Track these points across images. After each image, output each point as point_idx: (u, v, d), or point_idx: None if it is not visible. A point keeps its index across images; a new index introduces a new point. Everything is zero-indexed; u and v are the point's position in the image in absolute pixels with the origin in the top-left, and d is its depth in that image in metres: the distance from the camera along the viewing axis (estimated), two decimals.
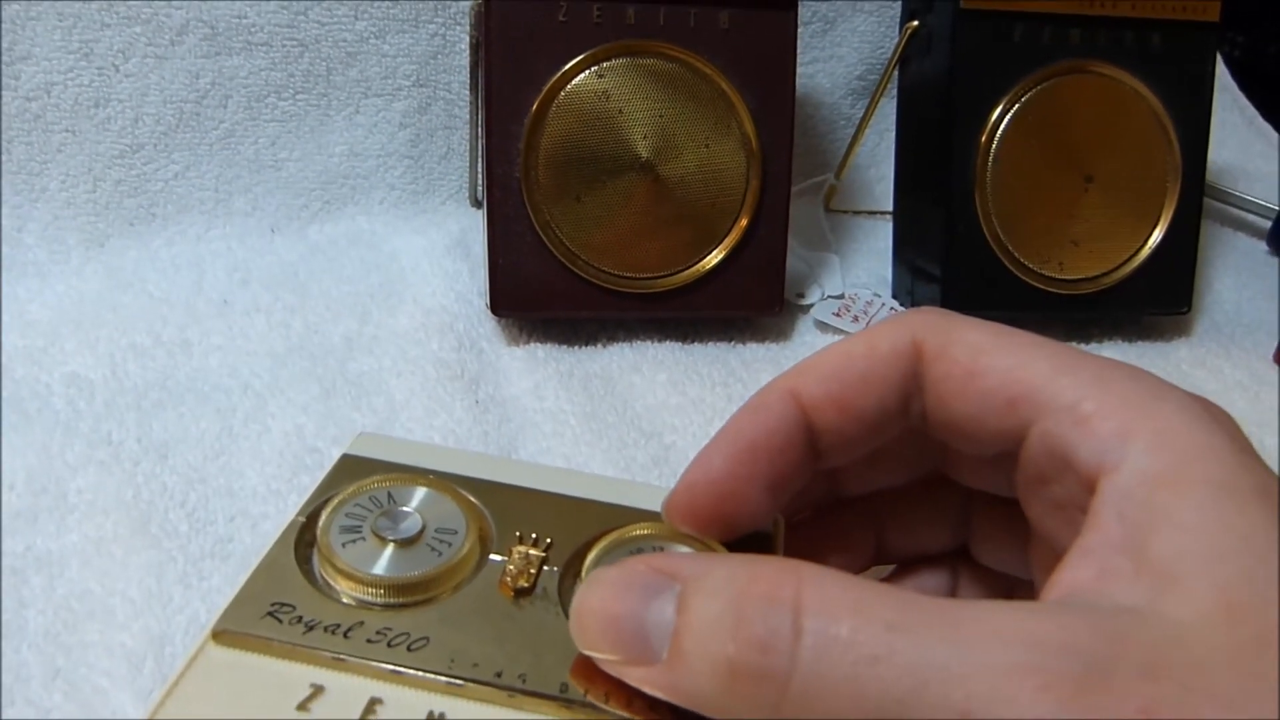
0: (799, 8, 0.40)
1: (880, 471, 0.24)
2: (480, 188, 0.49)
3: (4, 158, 0.44)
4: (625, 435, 0.36)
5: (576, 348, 0.40)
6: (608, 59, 0.38)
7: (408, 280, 0.44)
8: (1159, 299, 0.44)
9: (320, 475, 0.32)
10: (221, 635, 0.21)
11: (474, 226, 0.49)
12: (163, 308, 0.41)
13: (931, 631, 0.16)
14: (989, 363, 0.20)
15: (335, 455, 0.33)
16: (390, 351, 0.39)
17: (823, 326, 0.44)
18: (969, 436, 0.21)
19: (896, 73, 0.46)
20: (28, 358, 0.37)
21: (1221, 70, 0.63)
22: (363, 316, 0.42)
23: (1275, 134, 0.62)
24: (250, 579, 0.22)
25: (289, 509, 0.31)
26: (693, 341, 0.41)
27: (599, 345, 0.41)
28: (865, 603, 0.16)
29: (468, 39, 0.42)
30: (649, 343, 0.41)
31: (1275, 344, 0.44)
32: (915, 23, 0.43)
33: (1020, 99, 0.41)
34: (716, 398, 0.38)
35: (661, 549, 0.23)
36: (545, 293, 0.39)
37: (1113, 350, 0.44)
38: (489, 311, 0.41)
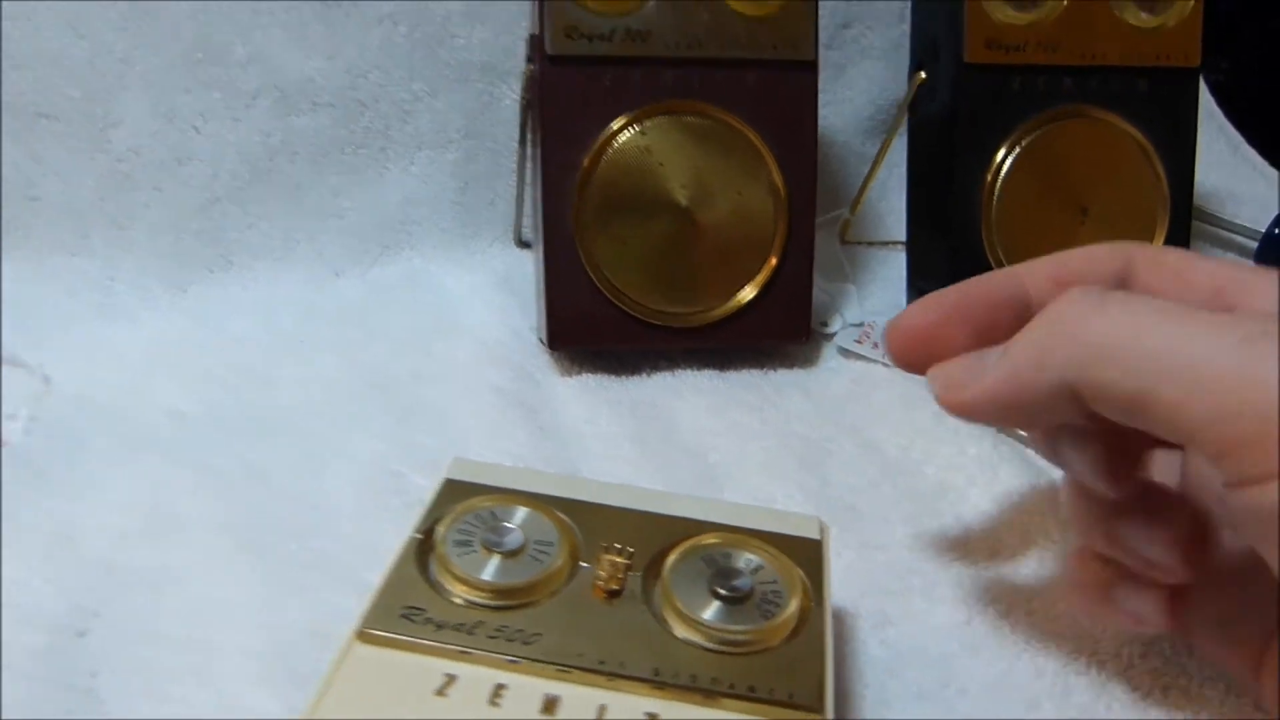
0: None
1: None
2: (524, 229, 0.54)
3: (98, 214, 0.48)
4: (671, 456, 0.40)
5: (624, 377, 0.44)
6: (649, 118, 0.42)
7: (462, 316, 0.48)
8: None
9: (401, 497, 0.37)
10: (365, 635, 0.25)
11: (518, 265, 0.53)
12: (243, 347, 0.45)
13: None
14: (1194, 266, 0.26)
15: (413, 478, 0.38)
16: (453, 382, 0.43)
17: (845, 353, 0.48)
18: None
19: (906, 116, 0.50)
20: (128, 393, 0.41)
21: (1208, 99, 0.67)
22: (424, 350, 0.45)
23: (1260, 158, 0.66)
24: (383, 587, 0.26)
25: (379, 526, 0.35)
26: (728, 369, 0.45)
27: (644, 375, 0.44)
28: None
29: (519, 99, 0.46)
30: (689, 371, 0.45)
31: None
32: (923, 74, 0.48)
33: (1021, 142, 0.45)
34: (752, 420, 0.42)
35: (729, 554, 0.27)
36: (595, 328, 0.43)
37: None
38: (541, 345, 0.45)
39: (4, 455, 0.37)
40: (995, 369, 0.24)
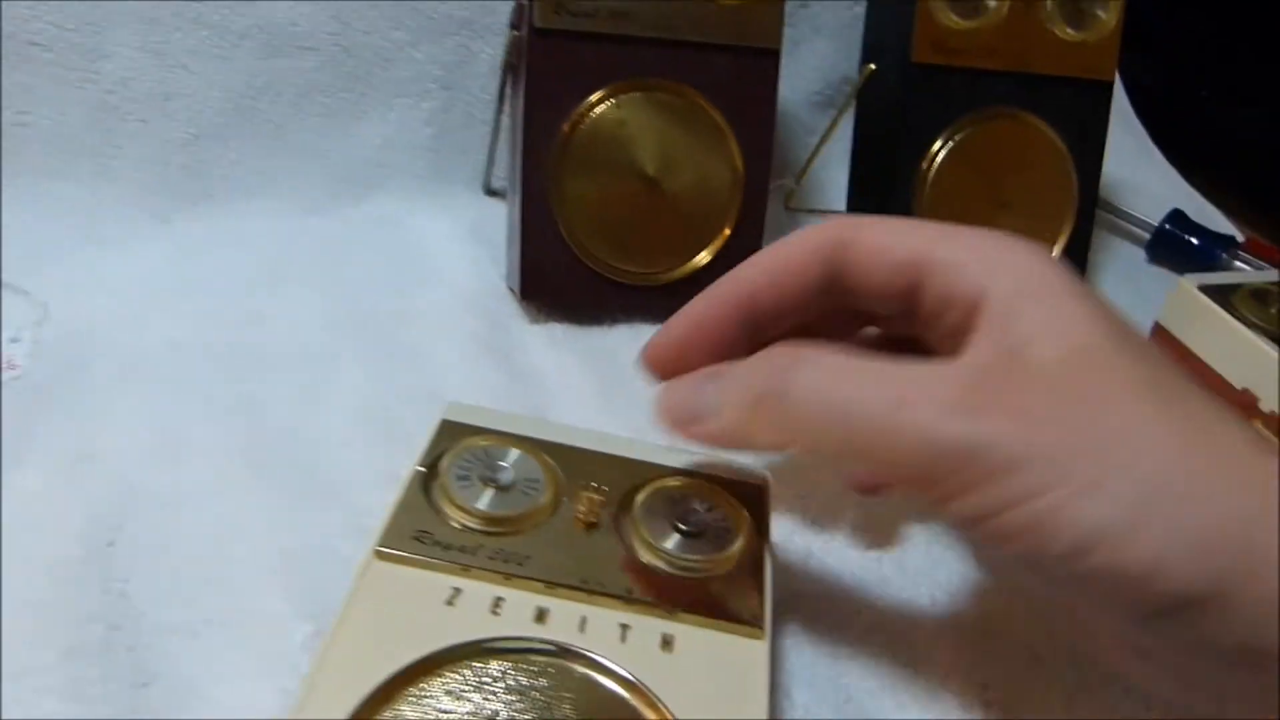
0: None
1: (826, 334, 0.33)
2: (492, 179, 0.57)
3: (85, 143, 0.50)
4: (631, 402, 0.43)
5: (587, 327, 0.48)
6: (625, 92, 0.46)
7: (436, 261, 0.51)
8: None
9: (388, 428, 0.41)
10: (381, 554, 0.29)
11: (487, 214, 0.56)
12: (229, 280, 0.47)
13: (882, 363, 0.25)
14: (890, 241, 0.29)
15: (399, 410, 0.42)
16: (432, 325, 0.46)
17: None
18: (882, 298, 0.29)
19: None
20: (127, 325, 0.43)
21: (1121, 98, 0.73)
22: (402, 294, 0.49)
23: (1161, 156, 0.73)
24: (394, 513, 0.30)
25: (368, 455, 0.39)
26: None
27: (605, 326, 0.48)
28: (841, 351, 0.26)
29: (501, 59, 0.49)
30: (647, 325, 0.48)
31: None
32: (873, 66, 0.52)
33: (955, 136, 0.50)
34: None
35: (688, 496, 0.32)
36: (563, 282, 0.47)
37: None
38: (512, 294, 0.49)
39: (19, 381, 0.39)
40: (713, 425, 0.28)
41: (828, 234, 0.29)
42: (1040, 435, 0.23)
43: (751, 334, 0.31)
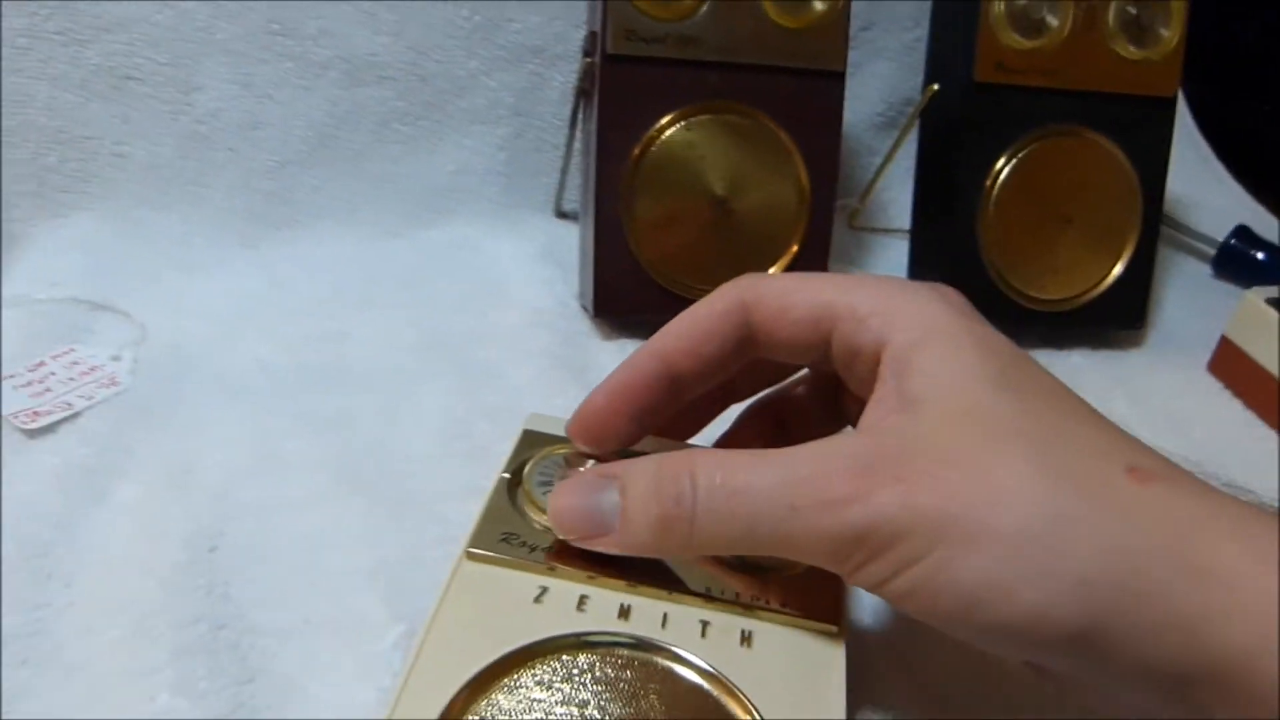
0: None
1: (759, 382, 0.35)
2: (564, 202, 0.59)
3: (178, 173, 0.52)
4: None
5: None
6: (695, 115, 0.47)
7: (510, 282, 0.53)
8: (1118, 318, 0.54)
9: (469, 442, 0.42)
10: (471, 555, 0.30)
11: (559, 236, 0.58)
12: (316, 303, 0.50)
13: (772, 464, 0.26)
14: (794, 299, 0.30)
15: (479, 426, 0.43)
16: (508, 344, 0.48)
17: None
18: (795, 353, 0.30)
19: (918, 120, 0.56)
20: (220, 345, 0.46)
21: (1185, 114, 0.73)
22: (479, 313, 0.50)
23: (1225, 171, 0.72)
24: (482, 516, 0.32)
25: (453, 469, 0.40)
26: None
27: None
28: (732, 460, 0.27)
29: (573, 85, 0.51)
30: None
31: (1210, 355, 0.54)
32: (936, 86, 0.53)
33: (1018, 154, 0.51)
34: None
35: None
36: (635, 299, 0.49)
37: (1079, 357, 0.53)
38: (585, 312, 0.51)
39: (121, 397, 0.42)
40: (622, 541, 0.28)
41: (734, 295, 0.30)
42: (921, 501, 0.24)
43: (676, 395, 0.32)
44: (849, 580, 0.26)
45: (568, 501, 0.29)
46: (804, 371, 0.35)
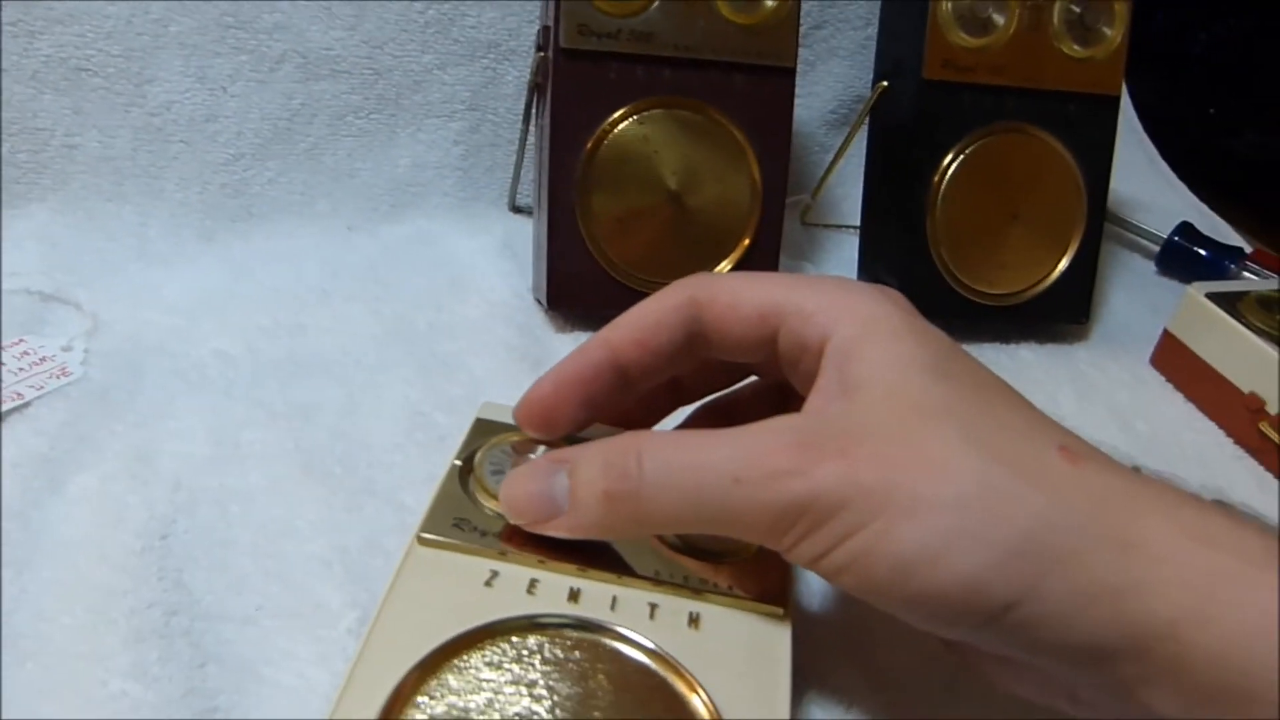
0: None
1: (709, 384, 0.35)
2: (518, 196, 0.59)
3: (132, 165, 0.52)
4: None
5: None
6: (648, 110, 0.48)
7: (468, 276, 0.54)
8: (1064, 312, 0.56)
9: (428, 433, 0.42)
10: (423, 540, 0.31)
11: (515, 230, 0.58)
12: (274, 295, 0.50)
13: (717, 441, 0.27)
14: (743, 297, 0.31)
15: (437, 417, 0.43)
16: (466, 336, 0.48)
17: None
18: (743, 350, 0.31)
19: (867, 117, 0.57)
20: (177, 335, 0.46)
21: (1131, 115, 0.74)
22: (437, 306, 0.51)
23: (1170, 171, 0.74)
24: (434, 503, 0.32)
25: (413, 458, 0.41)
26: None
27: None
28: (678, 438, 0.28)
29: (527, 79, 0.51)
30: None
31: (1152, 349, 0.55)
32: (885, 84, 0.54)
33: (966, 150, 0.52)
34: None
35: None
36: (589, 292, 0.49)
37: (1026, 351, 0.54)
38: (539, 305, 0.51)
39: (74, 386, 0.42)
40: (570, 521, 0.29)
41: (684, 292, 0.31)
42: (861, 475, 0.25)
43: (623, 386, 0.32)
44: (788, 556, 0.27)
45: (519, 488, 0.30)
46: (751, 379, 0.36)
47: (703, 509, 0.27)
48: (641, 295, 0.49)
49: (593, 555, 0.31)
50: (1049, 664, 0.25)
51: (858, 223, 0.59)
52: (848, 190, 0.66)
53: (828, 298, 0.29)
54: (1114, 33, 0.52)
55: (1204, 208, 0.72)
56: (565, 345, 0.49)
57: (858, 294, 0.29)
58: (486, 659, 0.27)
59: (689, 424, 0.36)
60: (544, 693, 0.27)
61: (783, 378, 0.32)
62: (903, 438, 0.25)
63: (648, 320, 0.32)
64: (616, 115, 0.48)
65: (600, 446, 0.29)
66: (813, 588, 0.36)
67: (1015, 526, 0.24)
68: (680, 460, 0.27)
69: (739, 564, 0.31)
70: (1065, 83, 0.52)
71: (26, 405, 0.40)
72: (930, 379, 0.26)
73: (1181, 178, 0.73)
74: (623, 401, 0.33)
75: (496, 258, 0.55)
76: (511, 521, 0.30)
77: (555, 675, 0.27)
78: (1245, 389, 0.49)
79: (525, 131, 0.55)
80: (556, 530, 0.29)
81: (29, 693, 0.29)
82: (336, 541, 0.36)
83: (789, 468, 0.25)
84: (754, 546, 0.32)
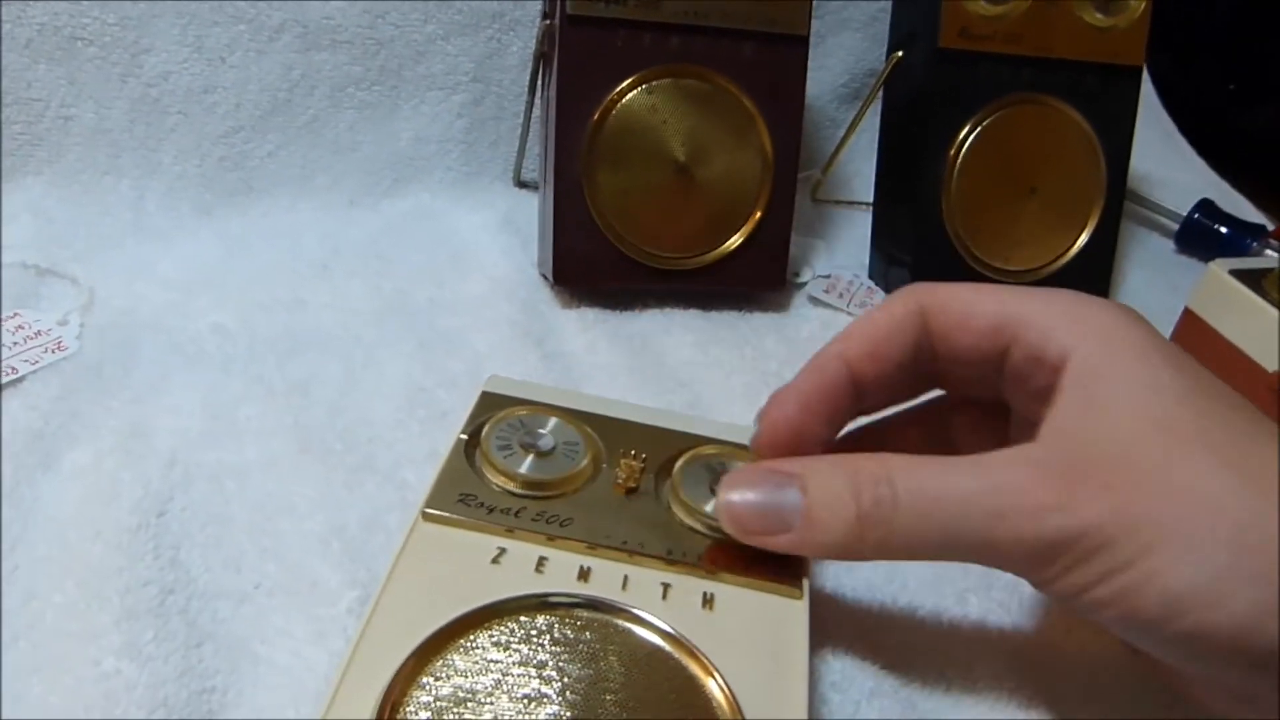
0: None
1: (893, 396, 0.33)
2: (524, 171, 0.58)
3: (128, 137, 0.51)
4: (663, 384, 0.44)
5: (619, 312, 0.49)
6: (656, 79, 0.47)
7: (471, 251, 0.53)
8: (1083, 288, 0.54)
9: (429, 409, 0.41)
10: (429, 515, 0.30)
11: (519, 205, 0.57)
12: (273, 270, 0.49)
13: (964, 472, 0.26)
14: (976, 308, 0.30)
15: (438, 393, 0.42)
16: (469, 312, 0.47)
17: (814, 301, 0.53)
18: (968, 363, 0.30)
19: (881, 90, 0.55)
20: (174, 310, 0.45)
21: (1149, 91, 0.73)
22: (439, 282, 0.50)
23: (1190, 148, 0.73)
24: (439, 477, 0.31)
25: (414, 435, 0.40)
26: (711, 310, 0.50)
27: (636, 310, 0.49)
28: (926, 465, 0.27)
29: (532, 49, 0.50)
30: (677, 310, 0.49)
31: (1172, 329, 0.54)
32: (900, 54, 0.53)
33: (982, 123, 0.51)
34: (732, 357, 0.47)
35: (726, 462, 0.33)
36: (596, 267, 0.48)
37: None
38: (544, 280, 0.50)
39: (68, 361, 0.40)
40: (808, 538, 0.27)
41: (913, 301, 0.30)
42: (1128, 509, 0.24)
43: (857, 402, 0.31)
44: (1045, 590, 0.26)
45: (742, 496, 0.29)
46: (926, 398, 0.34)
47: (959, 541, 0.26)
48: (649, 270, 0.49)
49: (603, 532, 0.30)
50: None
51: (870, 199, 0.58)
52: (859, 167, 0.65)
53: (1066, 312, 0.28)
54: (1136, 0, 0.51)
55: (1224, 184, 0.70)
56: (570, 321, 0.48)
57: (1097, 309, 0.28)
58: (494, 639, 0.26)
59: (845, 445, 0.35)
60: (554, 674, 0.26)
61: (988, 395, 0.31)
62: (1165, 467, 0.24)
63: (879, 332, 0.31)
64: (624, 85, 0.46)
65: (839, 464, 0.27)
66: (827, 570, 0.35)
67: None
68: (935, 488, 0.26)
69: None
70: (1085, 52, 0.51)
71: (20, 380, 0.39)
72: (1183, 403, 0.25)
73: (1202, 155, 0.72)
74: (852, 418, 0.32)
75: (500, 233, 0.54)
76: (726, 530, 0.29)
77: (565, 656, 0.26)
78: (1270, 368, 0.47)
79: (530, 103, 0.53)
80: (780, 546, 0.28)
81: (20, 671, 0.28)
82: (335, 519, 0.35)
83: (1052, 502, 0.25)
84: None
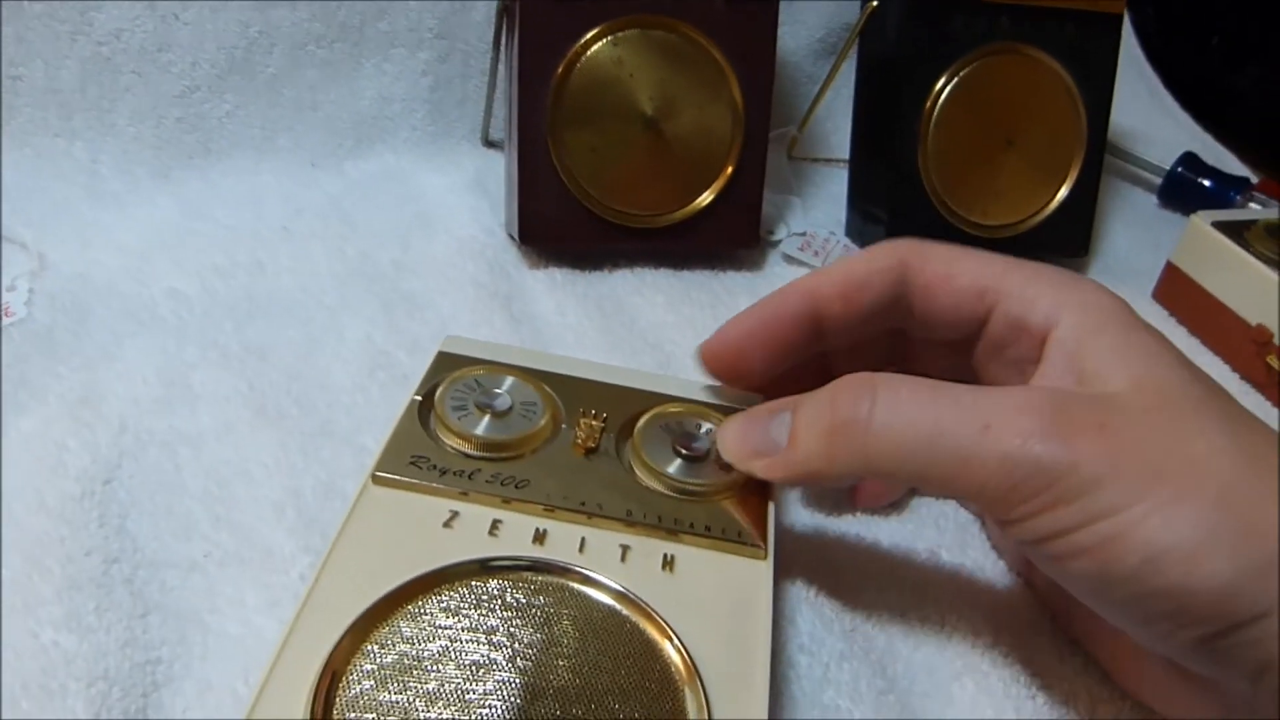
0: None
1: (859, 364, 0.33)
2: (492, 130, 0.56)
3: (80, 98, 0.49)
4: (634, 345, 0.44)
5: (588, 272, 0.48)
6: (622, 30, 0.45)
7: (437, 212, 0.51)
8: (1062, 244, 0.53)
9: (390, 372, 0.40)
10: (379, 479, 0.29)
11: (487, 165, 0.56)
12: (231, 233, 0.47)
13: (960, 390, 0.25)
14: (959, 268, 0.29)
15: (400, 356, 0.41)
16: (433, 273, 0.46)
17: (789, 259, 0.52)
18: (944, 323, 0.30)
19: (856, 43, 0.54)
20: (128, 275, 0.43)
21: (1132, 44, 0.72)
22: (404, 244, 0.48)
23: (1173, 101, 0.71)
24: (390, 439, 0.30)
25: (373, 399, 0.39)
26: (683, 270, 0.49)
27: (605, 270, 0.48)
28: (919, 381, 0.26)
29: (496, 3, 0.48)
30: (648, 270, 0.48)
31: (1154, 284, 0.53)
32: (875, 3, 0.51)
33: (959, 74, 0.49)
34: (705, 317, 0.46)
35: (688, 421, 0.32)
36: (563, 226, 0.47)
37: None
38: (512, 241, 0.49)
39: (16, 327, 0.39)
40: (787, 457, 0.27)
41: (897, 254, 0.30)
42: (1123, 456, 0.23)
43: (811, 343, 0.31)
44: (1013, 530, 0.25)
45: (737, 428, 0.29)
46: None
47: (938, 455, 0.25)
48: (618, 228, 0.47)
49: (560, 494, 0.29)
50: (1245, 681, 0.23)
51: (846, 156, 0.56)
52: (837, 124, 0.63)
53: (1053, 283, 0.28)
54: None
55: (1208, 138, 0.69)
56: (539, 282, 0.47)
57: (1083, 285, 0.28)
58: (443, 604, 0.25)
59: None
60: (504, 640, 0.25)
61: (958, 360, 0.31)
62: (1161, 426, 0.24)
63: (855, 276, 0.30)
64: (588, 36, 0.45)
65: (832, 385, 0.27)
66: (793, 530, 0.35)
67: (1276, 532, 0.22)
68: (919, 399, 0.25)
69: (717, 504, 0.29)
70: (1063, 0, 0.49)
71: None
72: (1173, 369, 0.25)
73: (1185, 108, 0.71)
74: (802, 357, 0.31)
75: (467, 194, 0.52)
76: (724, 459, 0.29)
77: (517, 621, 0.25)
78: (1252, 321, 0.47)
79: (495, 59, 0.52)
80: (768, 469, 0.28)
81: None
82: (290, 485, 0.34)
83: (1044, 430, 0.24)
84: (733, 486, 0.30)
